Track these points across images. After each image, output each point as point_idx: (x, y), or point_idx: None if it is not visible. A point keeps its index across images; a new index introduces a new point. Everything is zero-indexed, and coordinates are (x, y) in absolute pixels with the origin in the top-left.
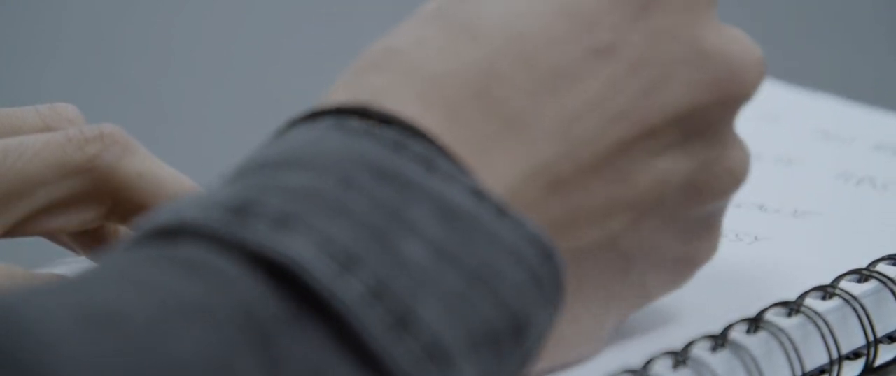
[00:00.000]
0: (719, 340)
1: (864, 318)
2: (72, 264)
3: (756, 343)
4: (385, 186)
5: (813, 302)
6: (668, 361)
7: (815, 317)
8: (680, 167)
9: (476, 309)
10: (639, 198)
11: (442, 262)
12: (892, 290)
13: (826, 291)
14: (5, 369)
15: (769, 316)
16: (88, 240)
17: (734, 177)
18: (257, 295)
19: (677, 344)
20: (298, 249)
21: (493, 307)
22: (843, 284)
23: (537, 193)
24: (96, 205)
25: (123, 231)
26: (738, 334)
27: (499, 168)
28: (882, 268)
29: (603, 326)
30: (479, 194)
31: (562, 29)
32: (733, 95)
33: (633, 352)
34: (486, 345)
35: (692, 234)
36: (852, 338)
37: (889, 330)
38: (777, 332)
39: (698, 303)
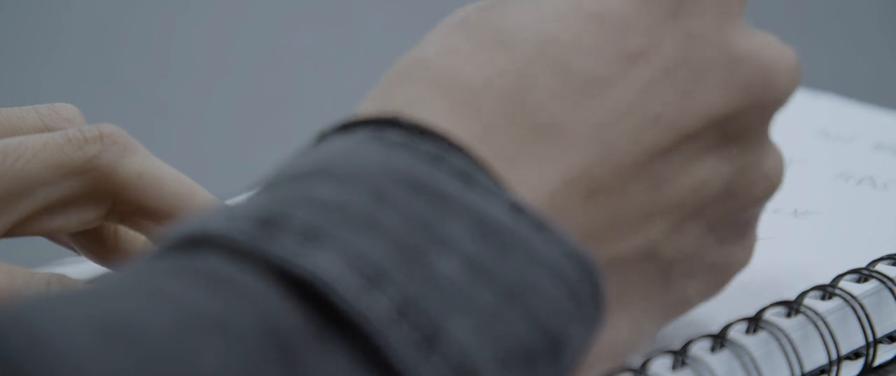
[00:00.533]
0: (718, 340)
1: (864, 318)
2: (72, 264)
3: (755, 343)
4: (420, 201)
5: (812, 302)
6: (668, 361)
7: (814, 317)
8: (717, 172)
9: (509, 328)
10: (677, 203)
11: (476, 279)
12: (891, 290)
13: (826, 291)
14: (25, 364)
15: (768, 315)
16: (88, 240)
17: (770, 182)
18: (281, 311)
19: (676, 343)
20: (324, 265)
21: (528, 325)
22: (843, 284)
23: (575, 200)
24: (96, 205)
25: (123, 231)
26: (737, 334)
27: (534, 176)
28: (882, 267)
29: (643, 335)
30: (518, 209)
31: (593, 34)
32: (767, 99)
33: None
34: (519, 364)
35: (728, 240)
36: (852, 338)
37: (889, 329)
38: (776, 332)
39: None
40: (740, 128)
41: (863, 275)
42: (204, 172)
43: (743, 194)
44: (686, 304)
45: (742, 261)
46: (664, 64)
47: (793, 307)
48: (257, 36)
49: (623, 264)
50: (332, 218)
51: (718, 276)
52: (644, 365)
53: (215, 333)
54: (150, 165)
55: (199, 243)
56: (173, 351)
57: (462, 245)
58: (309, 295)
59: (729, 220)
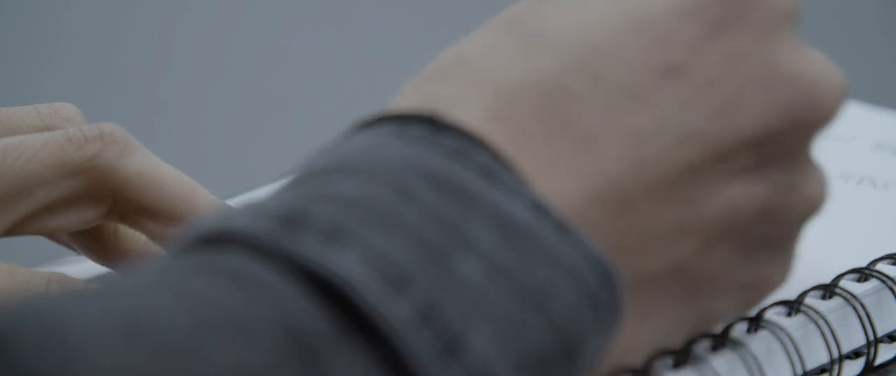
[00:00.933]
0: (720, 339)
1: (865, 317)
2: (72, 264)
3: (757, 342)
4: (443, 197)
5: (813, 301)
6: (669, 360)
7: (815, 317)
8: (753, 192)
9: (528, 334)
10: (709, 223)
11: (497, 282)
12: (892, 289)
13: (826, 290)
14: (33, 374)
15: (769, 315)
16: (88, 239)
17: (810, 205)
18: (303, 311)
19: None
20: (347, 266)
21: (547, 331)
22: (844, 283)
23: (603, 214)
24: (96, 204)
25: (123, 230)
26: (738, 333)
27: (564, 185)
28: (882, 267)
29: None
30: (540, 208)
31: (634, 45)
32: (809, 120)
33: None
34: (535, 369)
35: (763, 260)
36: (853, 337)
37: (889, 329)
38: (777, 331)
39: None
40: (780, 149)
41: (863, 274)
42: (204, 172)
43: (780, 216)
44: (713, 320)
45: (777, 281)
46: (704, 80)
47: (793, 306)
48: (257, 36)
49: (650, 280)
50: (355, 215)
51: (750, 294)
52: (646, 365)
53: (235, 331)
54: (151, 165)
55: (222, 240)
56: (191, 348)
57: (484, 245)
58: (331, 294)
59: (764, 242)
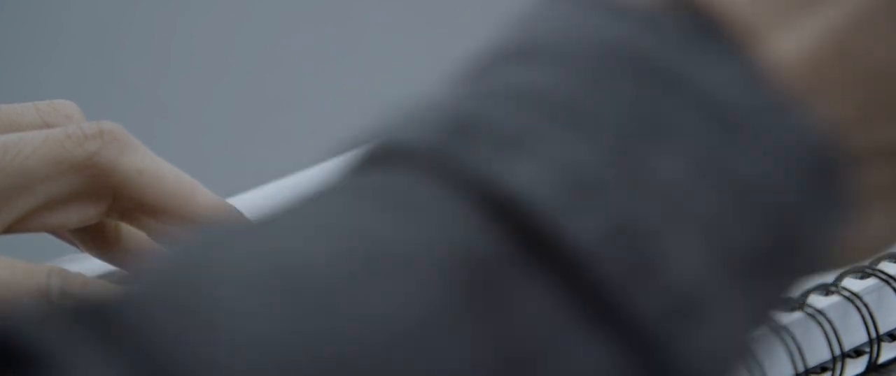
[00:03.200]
0: None
1: (867, 315)
2: (73, 261)
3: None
4: (643, 81)
5: (815, 299)
6: None
7: (816, 314)
8: None
9: (740, 236)
10: None
11: (703, 180)
12: (893, 288)
13: (828, 288)
14: (179, 314)
15: None
16: (90, 236)
17: None
18: (474, 237)
19: None
20: (525, 178)
21: (762, 229)
22: (845, 282)
23: (841, 71)
24: (96, 201)
25: (124, 227)
26: None
27: (788, 41)
28: (883, 265)
29: None
30: (759, 83)
31: None
32: None
33: None
34: (748, 274)
35: None
36: (854, 335)
37: (891, 327)
38: (779, 329)
39: None
40: None
41: (864, 272)
42: (204, 172)
43: None
44: None
45: None
46: None
47: (795, 304)
48: (257, 36)
49: (885, 154)
50: (536, 114)
51: None
52: None
53: (394, 271)
54: (150, 162)
55: (385, 159)
56: (345, 296)
57: (690, 136)
58: (508, 212)
59: None
